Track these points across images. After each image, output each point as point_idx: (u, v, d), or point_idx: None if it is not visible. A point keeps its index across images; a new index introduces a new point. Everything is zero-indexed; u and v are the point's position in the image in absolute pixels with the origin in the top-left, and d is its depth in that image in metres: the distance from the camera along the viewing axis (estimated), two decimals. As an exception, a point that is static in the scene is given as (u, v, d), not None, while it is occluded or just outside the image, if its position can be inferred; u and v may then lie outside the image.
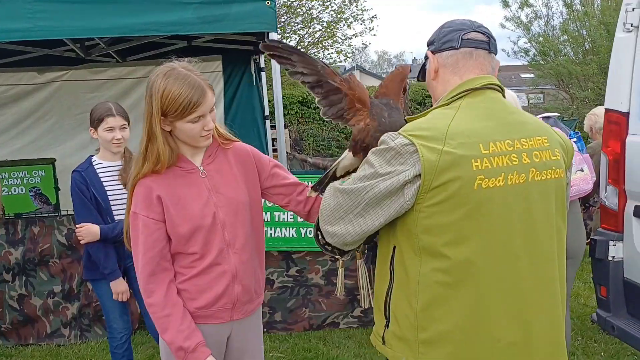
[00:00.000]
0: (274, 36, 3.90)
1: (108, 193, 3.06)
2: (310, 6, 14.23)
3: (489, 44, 1.61)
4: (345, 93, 1.80)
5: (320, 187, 2.00)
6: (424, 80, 1.79)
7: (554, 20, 15.04)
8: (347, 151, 1.91)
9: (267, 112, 6.97)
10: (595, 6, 14.46)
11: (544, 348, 1.47)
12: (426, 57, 1.71)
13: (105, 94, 6.68)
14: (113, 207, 3.06)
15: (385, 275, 1.60)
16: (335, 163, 1.96)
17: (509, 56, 15.93)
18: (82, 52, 5.56)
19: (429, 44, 1.69)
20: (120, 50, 6.17)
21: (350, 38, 15.23)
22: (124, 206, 2.91)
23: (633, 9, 2.94)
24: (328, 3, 14.39)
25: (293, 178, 2.09)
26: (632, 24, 2.97)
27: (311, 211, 2.06)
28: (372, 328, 4.32)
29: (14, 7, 3.56)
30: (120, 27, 3.75)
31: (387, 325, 1.58)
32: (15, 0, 3.55)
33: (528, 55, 15.84)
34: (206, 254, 1.91)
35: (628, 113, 3.03)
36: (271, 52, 1.80)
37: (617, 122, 3.07)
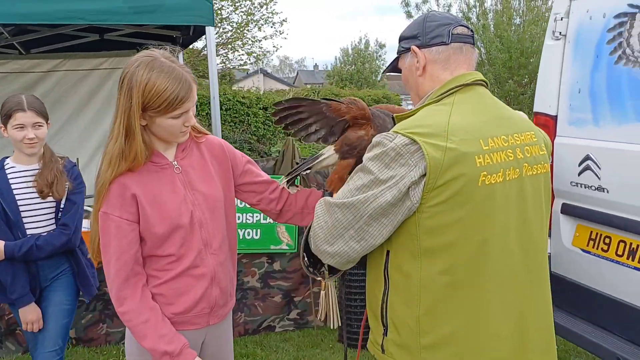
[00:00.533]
0: (211, 31, 3.75)
1: (19, 203, 2.62)
2: (220, 6, 13.97)
3: (472, 38, 1.62)
4: (351, 117, 1.77)
5: (291, 177, 1.95)
6: (393, 73, 1.78)
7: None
8: (330, 151, 1.85)
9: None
10: (489, 20, 15.43)
11: (537, 337, 1.51)
12: (400, 52, 1.65)
13: (6, 88, 6.12)
14: (25, 220, 2.63)
15: (378, 281, 1.53)
16: (313, 158, 1.91)
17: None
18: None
19: (410, 37, 1.61)
20: (24, 41, 5.69)
21: (260, 40, 15.16)
22: (39, 218, 2.64)
23: (562, 18, 3.15)
24: (238, 4, 14.21)
25: (265, 176, 2.01)
26: (560, 32, 3.17)
27: (282, 210, 1.98)
28: (308, 330, 4.29)
29: None
30: (39, 13, 3.43)
31: (385, 333, 1.52)
32: None
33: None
34: (184, 255, 1.78)
35: (556, 116, 3.23)
36: (282, 115, 1.78)
37: (546, 125, 3.27)
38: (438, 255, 1.41)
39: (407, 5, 15.39)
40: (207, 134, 1.94)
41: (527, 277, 1.50)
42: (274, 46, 41.99)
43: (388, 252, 1.49)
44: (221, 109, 12.91)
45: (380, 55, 34.82)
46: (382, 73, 2.08)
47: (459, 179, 1.38)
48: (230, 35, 14.36)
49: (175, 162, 1.82)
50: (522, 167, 1.49)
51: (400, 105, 22.59)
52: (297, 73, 58.42)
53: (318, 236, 1.49)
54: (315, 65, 62.77)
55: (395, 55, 1.71)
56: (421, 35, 1.59)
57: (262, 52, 14.98)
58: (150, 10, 3.58)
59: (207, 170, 1.87)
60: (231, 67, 15.39)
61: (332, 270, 1.68)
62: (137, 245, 1.75)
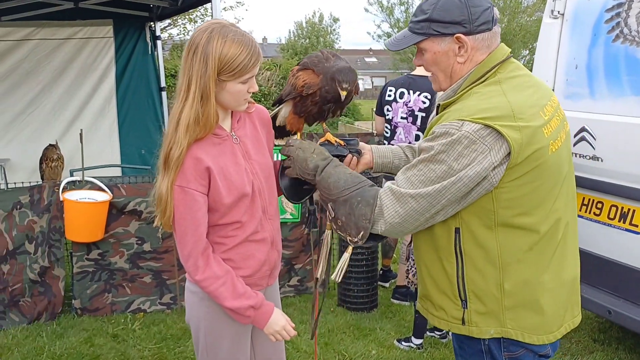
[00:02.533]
0: (217, 3, 3.75)
1: None
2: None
3: None
4: (302, 81, 1.94)
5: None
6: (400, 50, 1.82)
7: (413, 7, 16.13)
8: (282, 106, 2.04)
9: (163, 84, 6.65)
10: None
11: (576, 282, 1.70)
12: (432, 35, 1.57)
13: (-24, 57, 5.90)
14: None
15: (448, 258, 1.58)
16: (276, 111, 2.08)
17: (373, 39, 16.76)
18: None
19: (452, 23, 1.54)
20: (-4, 8, 5.46)
21: (220, 12, 14.80)
22: None
23: (560, -2, 3.35)
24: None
25: None
26: (559, 11, 3.38)
27: None
28: (308, 295, 4.43)
29: None
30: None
31: (465, 306, 1.58)
32: None
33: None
34: (247, 222, 1.86)
35: (553, 90, 3.45)
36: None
37: (542, 98, 3.49)
38: (516, 223, 1.50)
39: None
40: (254, 103, 2.02)
41: (574, 224, 1.69)
42: (235, 18, 41.03)
43: (457, 229, 1.55)
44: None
45: (334, 29, 34.83)
46: (392, 49, 1.99)
47: (536, 152, 1.47)
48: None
49: (233, 133, 1.89)
50: (563, 129, 1.64)
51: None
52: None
53: (390, 224, 1.54)
54: (264, 39, 61.81)
55: (411, 33, 1.62)
56: (467, 23, 1.54)
57: (223, 23, 14.66)
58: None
59: (259, 139, 1.96)
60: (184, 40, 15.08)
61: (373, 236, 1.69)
62: (207, 216, 1.83)
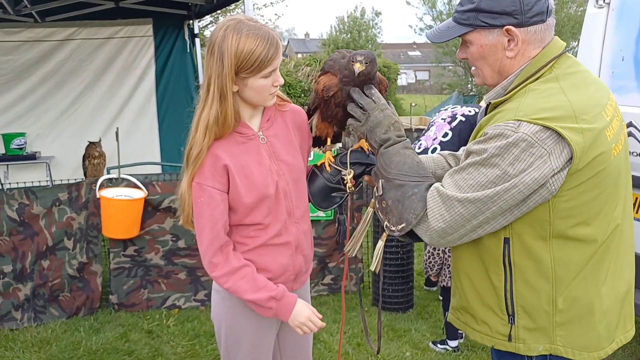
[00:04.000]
0: (249, 0, 3.74)
1: None
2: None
3: None
4: (322, 85, 1.88)
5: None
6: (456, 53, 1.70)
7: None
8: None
9: (201, 81, 6.70)
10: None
11: (630, 295, 1.57)
12: (479, 26, 1.45)
13: (22, 57, 6.07)
14: None
15: (496, 271, 1.46)
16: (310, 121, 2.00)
17: (415, 32, 16.54)
18: (11, 8, 4.98)
19: (501, 13, 1.41)
20: (41, 10, 5.60)
21: (260, 8, 14.94)
22: None
23: (606, -13, 3.17)
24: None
25: None
26: (604, 0, 3.21)
27: None
28: (340, 294, 4.32)
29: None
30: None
31: (512, 321, 1.46)
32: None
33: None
34: (270, 224, 1.83)
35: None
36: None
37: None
38: (573, 234, 1.39)
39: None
40: (290, 102, 1.98)
41: (631, 231, 1.56)
42: (275, 14, 41.27)
43: (507, 239, 1.43)
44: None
45: (376, 23, 34.54)
46: (434, 41, 1.82)
47: (599, 157, 1.35)
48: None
49: (261, 133, 1.85)
50: (623, 129, 1.51)
51: (399, 75, 22.18)
52: (288, 42, 57.71)
53: (432, 227, 1.43)
54: (306, 34, 61.98)
55: (456, 24, 1.51)
56: (519, 13, 1.41)
57: (264, 21, 14.75)
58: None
59: (290, 140, 1.90)
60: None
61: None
62: (227, 214, 1.80)
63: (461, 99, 14.00)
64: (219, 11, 9.38)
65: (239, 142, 1.81)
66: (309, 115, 1.99)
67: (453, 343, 3.48)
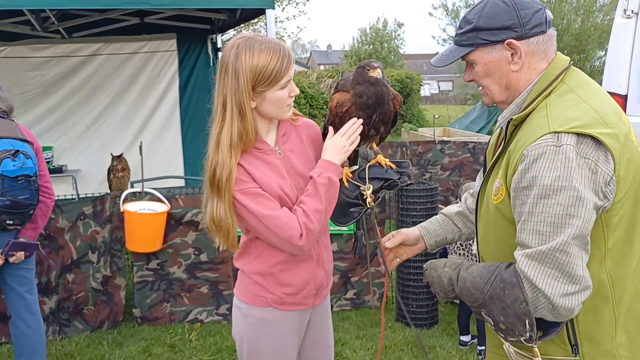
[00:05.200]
0: (271, 14, 3.75)
1: None
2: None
3: None
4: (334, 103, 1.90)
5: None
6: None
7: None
8: None
9: (214, 101, 6.74)
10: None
11: None
12: (481, 44, 1.44)
13: (49, 72, 6.19)
14: None
15: None
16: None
17: (438, 43, 16.47)
18: (39, 25, 5.09)
19: (500, 29, 1.41)
20: (68, 27, 5.72)
21: (283, 21, 15.06)
22: None
23: (634, -4, 3.11)
24: (262, -15, 14.06)
25: None
26: (632, 11, 3.14)
27: None
28: (364, 309, 4.28)
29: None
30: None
31: (575, 352, 1.37)
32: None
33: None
34: None
35: (626, 95, 3.21)
36: None
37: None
38: (625, 247, 1.34)
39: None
40: (302, 116, 1.98)
41: None
42: (297, 27, 41.57)
43: None
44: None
45: (398, 35, 34.53)
46: (437, 66, 1.58)
47: (631, 161, 1.32)
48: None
49: (277, 148, 1.85)
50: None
51: (422, 86, 22.00)
52: (310, 54, 58.04)
53: (552, 294, 1.27)
54: (329, 46, 62.28)
55: (458, 47, 1.51)
56: (518, 26, 1.41)
57: (287, 33, 14.93)
58: (211, -7, 3.59)
59: (306, 154, 1.90)
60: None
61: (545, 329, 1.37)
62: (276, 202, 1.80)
63: (485, 109, 13.85)
64: (242, 25, 9.48)
65: (256, 157, 1.82)
66: (324, 134, 1.98)
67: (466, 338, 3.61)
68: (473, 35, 1.46)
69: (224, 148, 1.73)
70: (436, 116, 8.58)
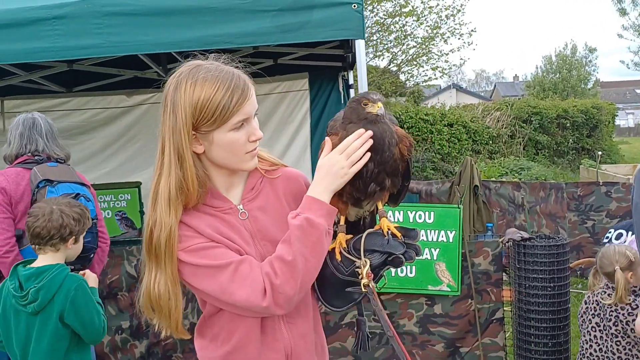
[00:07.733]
0: (361, 44, 3.40)
1: None
2: (404, 22, 13.65)
3: None
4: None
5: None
6: None
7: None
8: None
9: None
10: None
11: None
12: None
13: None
14: None
15: None
16: None
17: (629, 68, 14.47)
18: (164, 72, 5.38)
19: None
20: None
21: (447, 54, 14.49)
22: None
23: None
24: (423, 18, 13.76)
25: None
26: None
27: None
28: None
29: (83, 22, 3.35)
30: (188, 40, 3.42)
31: None
32: (85, 16, 3.34)
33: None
34: (249, 320, 1.43)
35: None
36: None
37: None
38: None
39: (620, 1, 13.45)
40: (283, 166, 1.57)
41: None
42: (461, 59, 40.51)
43: None
44: (403, 127, 12.57)
45: (590, 61, 31.38)
46: None
47: None
48: (415, 51, 13.95)
49: (241, 206, 1.47)
50: None
51: (616, 115, 19.52)
52: (495, 86, 55.77)
53: None
54: (515, 77, 59.34)
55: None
56: None
57: (449, 66, 14.28)
58: (297, 28, 3.37)
59: (282, 213, 1.49)
60: (415, 83, 14.89)
61: None
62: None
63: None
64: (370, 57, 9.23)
65: (213, 215, 1.46)
66: None
67: None
68: None
69: (161, 202, 1.40)
70: (599, 153, 7.32)
